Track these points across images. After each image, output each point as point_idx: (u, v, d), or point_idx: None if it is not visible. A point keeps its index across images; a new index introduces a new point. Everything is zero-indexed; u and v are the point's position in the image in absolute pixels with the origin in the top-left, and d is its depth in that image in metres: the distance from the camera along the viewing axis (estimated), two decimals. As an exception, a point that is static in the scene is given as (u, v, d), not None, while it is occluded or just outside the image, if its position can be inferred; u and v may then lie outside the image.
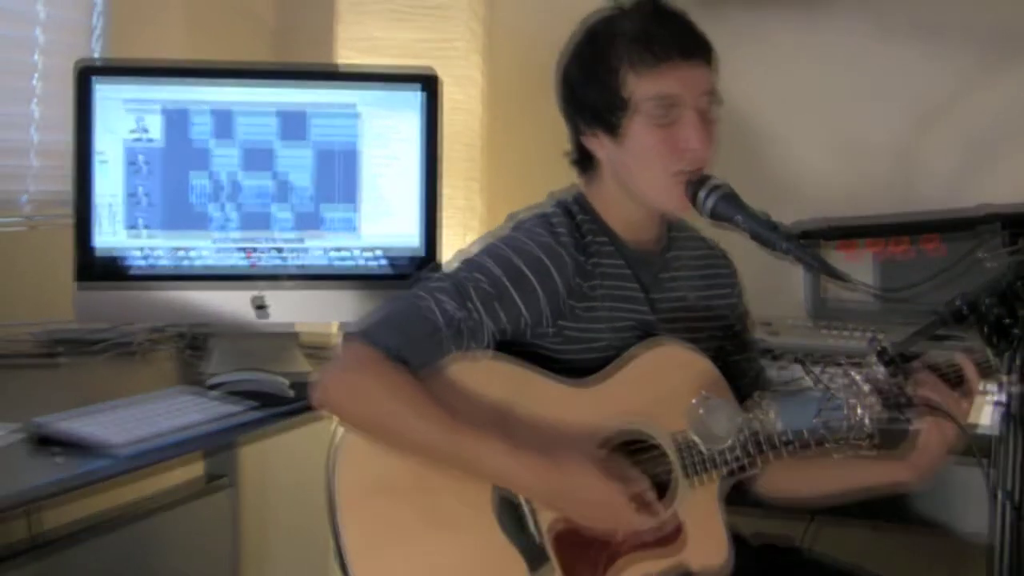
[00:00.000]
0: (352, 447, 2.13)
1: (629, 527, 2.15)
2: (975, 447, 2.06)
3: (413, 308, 2.14)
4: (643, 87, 2.17)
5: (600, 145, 2.26)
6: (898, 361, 2.09)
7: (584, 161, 2.32)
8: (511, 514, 2.15)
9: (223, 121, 2.82)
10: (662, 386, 2.22)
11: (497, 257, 2.20)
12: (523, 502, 2.15)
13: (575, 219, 2.28)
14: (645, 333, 2.28)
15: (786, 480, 2.39)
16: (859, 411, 1.96)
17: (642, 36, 2.18)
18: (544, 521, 2.15)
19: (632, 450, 2.22)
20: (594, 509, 2.12)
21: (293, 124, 2.86)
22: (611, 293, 2.27)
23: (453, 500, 2.13)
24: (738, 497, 2.38)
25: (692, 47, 2.19)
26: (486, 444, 2.08)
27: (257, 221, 2.85)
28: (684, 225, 2.41)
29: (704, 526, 2.23)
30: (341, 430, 2.14)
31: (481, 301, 2.15)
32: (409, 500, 2.13)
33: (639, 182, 2.23)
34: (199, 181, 2.82)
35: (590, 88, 2.23)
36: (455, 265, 2.23)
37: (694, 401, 2.01)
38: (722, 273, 2.46)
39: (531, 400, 2.18)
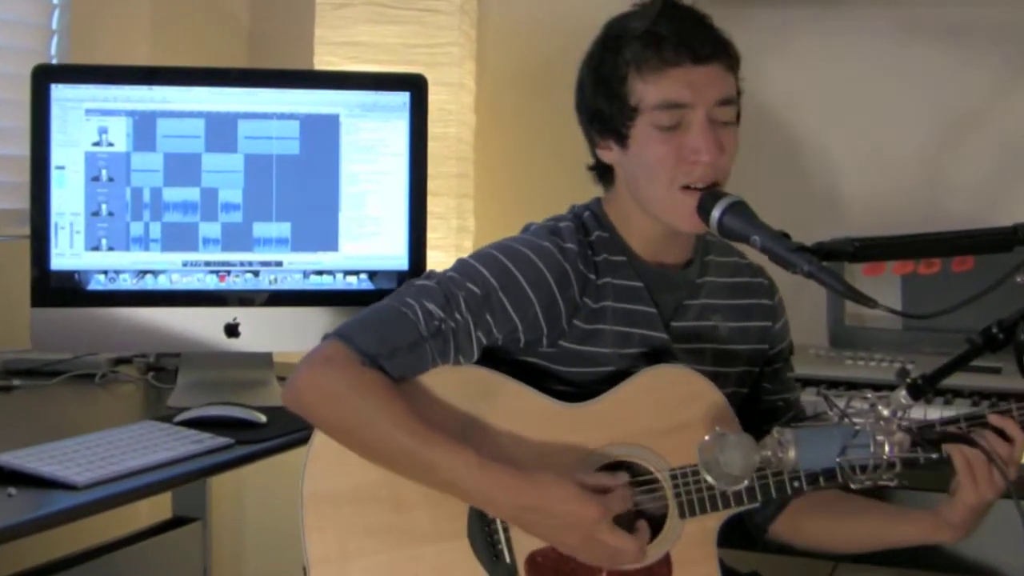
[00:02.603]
0: (322, 453, 2.15)
1: (611, 560, 2.13)
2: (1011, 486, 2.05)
3: (397, 313, 2.15)
4: (649, 93, 2.16)
5: (612, 156, 2.26)
6: (930, 394, 2.08)
7: (603, 173, 2.32)
8: (484, 536, 2.16)
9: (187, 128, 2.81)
10: (666, 415, 2.22)
11: (493, 265, 2.20)
12: (498, 524, 2.15)
13: (590, 234, 2.28)
14: (657, 358, 2.27)
15: (810, 529, 2.38)
16: (887, 448, 1.95)
17: (648, 38, 2.17)
18: (519, 546, 2.16)
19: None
20: (569, 533, 2.09)
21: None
22: (622, 315, 2.26)
23: (425, 516, 2.14)
24: (753, 543, 2.37)
25: (704, 49, 2.16)
26: (460, 457, 2.07)
27: (233, 240, 2.84)
28: (726, 249, 2.40)
29: (696, 568, 2.22)
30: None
31: (470, 310, 2.15)
32: (379, 512, 2.14)
33: (646, 194, 2.23)
34: (174, 195, 2.80)
35: (599, 95, 2.23)
36: (450, 269, 2.22)
37: (707, 437, 1.99)
38: (763, 304, 2.44)
39: (515, 415, 2.18)
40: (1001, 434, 2.14)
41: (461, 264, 2.23)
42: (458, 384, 2.18)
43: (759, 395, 2.44)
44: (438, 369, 2.16)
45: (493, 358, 2.23)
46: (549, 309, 2.19)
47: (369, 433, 2.09)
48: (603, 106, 2.22)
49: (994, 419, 2.16)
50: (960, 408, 2.68)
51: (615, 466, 2.19)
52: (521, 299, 2.18)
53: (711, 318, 2.35)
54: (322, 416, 2.14)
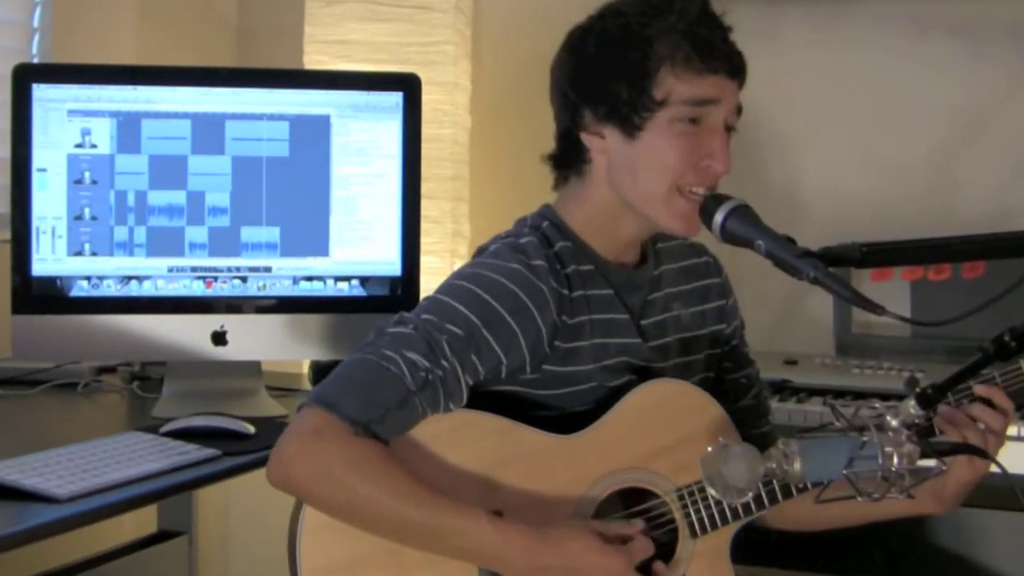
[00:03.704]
0: (317, 524, 2.08)
1: None
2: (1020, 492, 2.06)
3: (380, 370, 2.07)
4: (679, 91, 2.14)
5: (602, 144, 2.21)
6: (939, 404, 2.09)
7: (571, 160, 2.27)
8: None
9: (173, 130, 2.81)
10: (665, 433, 2.21)
11: (469, 300, 2.14)
12: None
13: (553, 246, 2.24)
14: (636, 367, 2.26)
15: (794, 509, 2.34)
16: (895, 460, 1.95)
17: (694, 38, 2.15)
18: None
19: (627, 502, 2.21)
20: None
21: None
22: (599, 326, 2.24)
23: None
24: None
25: (739, 65, 2.19)
26: (470, 520, 2.04)
27: (220, 245, 2.84)
28: (667, 234, 2.36)
29: None
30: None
31: (455, 354, 2.09)
32: None
33: (641, 190, 2.19)
34: (160, 199, 2.80)
35: (615, 79, 2.17)
36: (422, 310, 2.15)
37: (710, 449, 1.99)
38: (714, 284, 2.44)
39: (517, 458, 2.15)
40: (988, 403, 2.17)
41: (435, 303, 2.16)
42: (450, 434, 2.13)
43: (721, 375, 2.44)
44: (437, 423, 2.11)
45: (471, 394, 2.16)
46: (532, 336, 2.16)
47: (371, 508, 2.04)
48: (619, 91, 2.16)
49: (980, 389, 2.18)
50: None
51: (620, 495, 2.19)
52: (504, 332, 2.13)
53: (673, 307, 2.35)
54: (316, 495, 2.06)
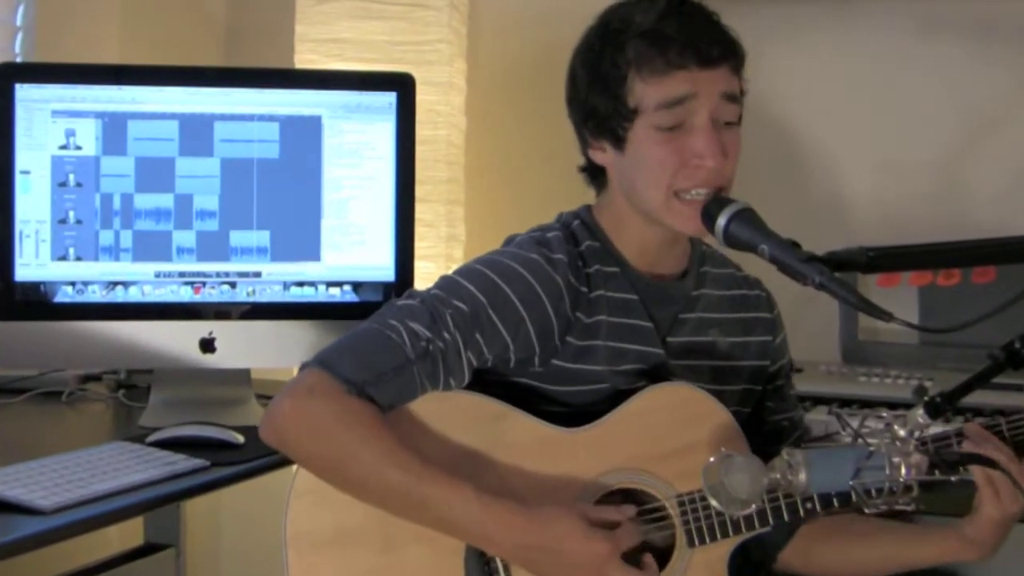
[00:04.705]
0: (306, 489, 2.13)
1: None
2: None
3: (381, 337, 2.12)
4: (650, 95, 2.15)
5: (606, 158, 2.25)
6: (949, 413, 2.09)
7: (595, 175, 2.31)
8: None
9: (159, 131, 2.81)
10: (670, 437, 2.21)
11: (480, 280, 2.18)
12: (498, 563, 2.14)
13: (580, 244, 2.26)
14: (653, 375, 2.27)
15: (823, 555, 2.37)
16: (903, 471, 1.95)
17: (653, 36, 2.15)
18: None
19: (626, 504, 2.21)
20: (577, 572, 2.08)
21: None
22: (617, 329, 2.25)
23: (417, 556, 2.13)
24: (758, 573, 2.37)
25: (712, 51, 2.15)
26: (456, 492, 2.05)
27: (209, 250, 2.84)
28: (722, 261, 2.40)
29: None
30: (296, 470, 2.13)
31: (459, 328, 2.13)
32: (368, 554, 2.13)
33: (643, 199, 2.21)
34: (146, 202, 2.80)
35: (595, 93, 2.20)
36: (433, 287, 2.20)
37: (712, 459, 1.99)
38: (762, 318, 2.43)
39: (512, 445, 2.17)
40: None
41: (445, 281, 2.20)
42: (449, 413, 2.16)
43: (763, 416, 2.44)
44: (426, 397, 2.14)
45: (481, 382, 2.21)
46: (542, 326, 2.18)
47: (356, 469, 2.07)
48: (599, 105, 2.20)
49: (971, 429, 2.18)
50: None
51: (618, 494, 2.19)
52: (512, 316, 2.16)
53: (709, 332, 2.35)
54: (305, 451, 2.10)
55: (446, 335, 2.12)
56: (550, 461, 2.17)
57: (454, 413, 2.16)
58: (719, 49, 2.16)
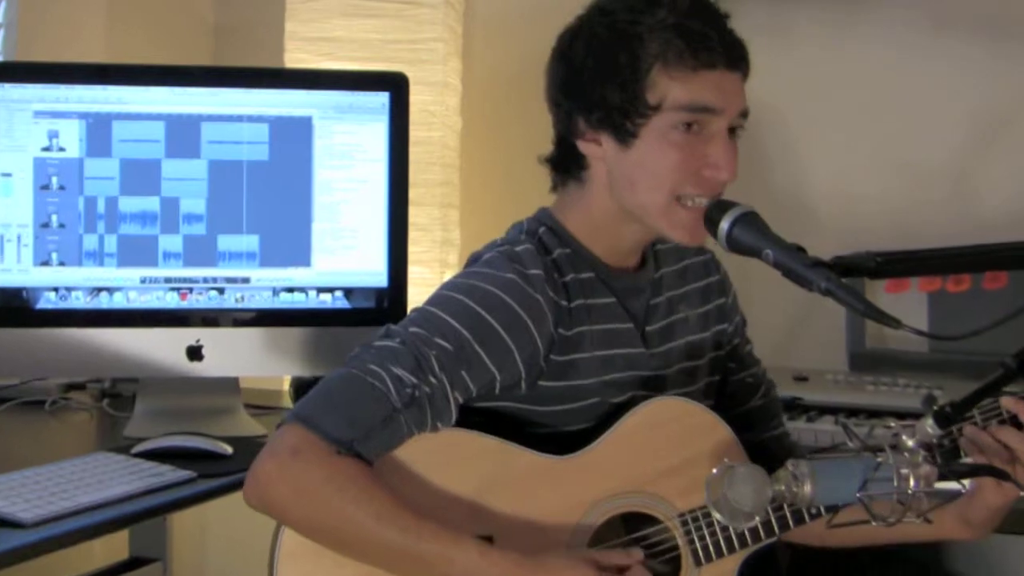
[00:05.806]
0: (296, 548, 2.08)
1: None
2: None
3: (364, 386, 2.06)
4: (675, 92, 2.12)
5: (600, 151, 2.21)
6: (966, 423, 2.09)
7: (569, 166, 2.27)
8: None
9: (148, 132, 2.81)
10: (668, 454, 2.21)
11: (461, 312, 2.13)
12: None
13: (551, 253, 2.23)
14: (643, 382, 2.26)
15: (810, 528, 2.35)
16: (911, 482, 1.95)
17: (684, 32, 2.12)
18: None
19: (628, 526, 2.21)
20: None
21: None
22: (600, 337, 2.24)
23: None
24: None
25: (739, 54, 2.16)
26: (457, 548, 2.03)
27: (196, 254, 2.84)
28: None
29: None
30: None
31: (445, 370, 2.09)
32: None
33: (640, 201, 2.19)
34: (131, 205, 2.80)
35: (606, 83, 2.16)
36: (410, 322, 2.15)
37: (715, 471, 1.98)
38: (714, 282, 2.45)
39: (509, 480, 2.15)
40: (1017, 423, 2.16)
41: (424, 316, 2.15)
42: (439, 453, 2.12)
43: (726, 377, 2.45)
44: (425, 441, 2.10)
45: (464, 409, 2.16)
46: (528, 352, 2.15)
47: (353, 532, 2.03)
48: (609, 96, 2.15)
49: (1008, 402, 2.17)
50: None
51: (621, 519, 2.19)
52: (498, 347, 2.13)
53: (678, 309, 2.36)
54: (294, 516, 2.05)
55: (432, 380, 2.08)
56: (548, 492, 2.15)
57: (445, 452, 2.13)
58: (741, 51, 2.17)
